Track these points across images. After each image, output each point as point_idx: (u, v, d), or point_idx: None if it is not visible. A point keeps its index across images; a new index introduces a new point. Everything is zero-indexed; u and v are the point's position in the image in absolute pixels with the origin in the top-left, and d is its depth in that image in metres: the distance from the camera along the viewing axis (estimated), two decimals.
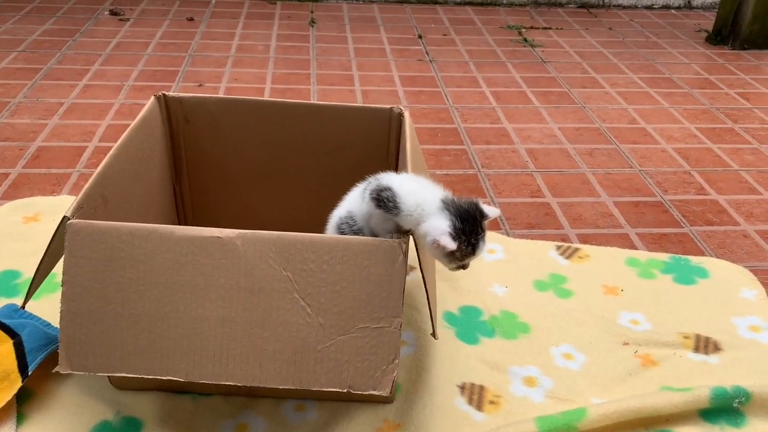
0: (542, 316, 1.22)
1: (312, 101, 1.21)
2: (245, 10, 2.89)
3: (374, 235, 0.91)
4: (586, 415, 0.97)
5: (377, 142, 1.23)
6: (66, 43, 2.41)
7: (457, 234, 0.85)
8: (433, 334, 1.00)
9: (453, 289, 1.28)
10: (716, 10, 2.96)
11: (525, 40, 2.69)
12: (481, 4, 3.13)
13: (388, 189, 0.87)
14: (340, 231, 0.95)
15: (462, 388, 1.06)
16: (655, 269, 1.37)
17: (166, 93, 1.19)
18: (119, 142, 1.04)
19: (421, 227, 0.87)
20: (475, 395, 1.05)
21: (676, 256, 1.41)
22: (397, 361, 0.85)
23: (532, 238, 1.45)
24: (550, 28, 2.85)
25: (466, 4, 3.12)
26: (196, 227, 0.87)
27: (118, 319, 0.85)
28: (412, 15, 2.94)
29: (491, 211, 0.89)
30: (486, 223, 0.88)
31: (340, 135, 1.23)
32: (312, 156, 1.25)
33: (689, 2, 3.23)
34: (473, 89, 2.21)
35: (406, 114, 1.19)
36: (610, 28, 2.89)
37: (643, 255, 1.41)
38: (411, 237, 0.93)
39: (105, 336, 0.85)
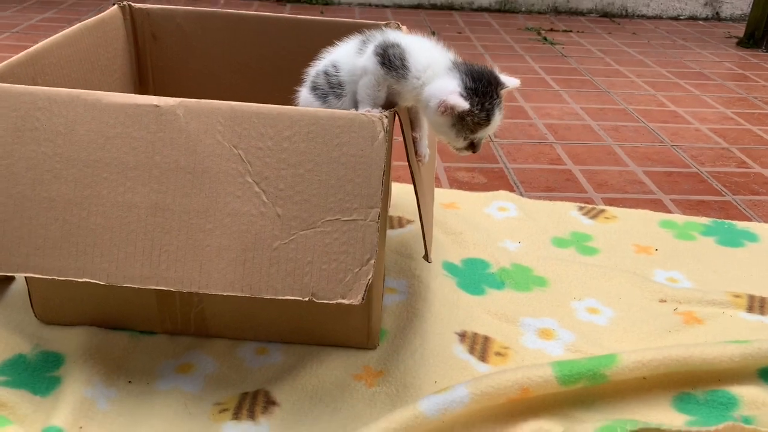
0: (561, 271, 1.03)
1: (295, 15, 1.06)
2: (253, 11, 2.79)
3: (354, 100, 0.74)
4: (616, 361, 0.77)
5: None
6: (62, 27, 2.31)
7: (468, 94, 0.69)
8: (426, 257, 0.81)
9: (456, 243, 1.09)
10: (746, 21, 2.81)
11: (545, 39, 2.55)
12: (499, 11, 3.02)
13: (396, 45, 0.72)
14: (314, 87, 0.78)
15: (462, 336, 0.87)
16: (695, 231, 1.17)
17: (132, 3, 1.05)
18: (65, 32, 0.89)
19: (424, 91, 0.71)
20: (478, 345, 0.86)
21: (718, 220, 1.21)
22: (372, 261, 0.66)
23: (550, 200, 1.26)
24: (570, 31, 2.71)
25: (482, 10, 3.01)
26: (130, 94, 0.71)
27: (27, 205, 0.68)
28: (426, 18, 2.82)
29: (509, 80, 0.73)
30: (503, 92, 0.71)
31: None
32: (295, 77, 1.08)
33: (717, 14, 3.09)
34: None
35: (404, 28, 1.03)
36: (634, 33, 2.74)
37: (679, 218, 1.21)
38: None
39: (9, 225, 0.68)
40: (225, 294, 0.67)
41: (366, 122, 0.68)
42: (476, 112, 0.69)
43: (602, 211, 1.22)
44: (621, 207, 1.24)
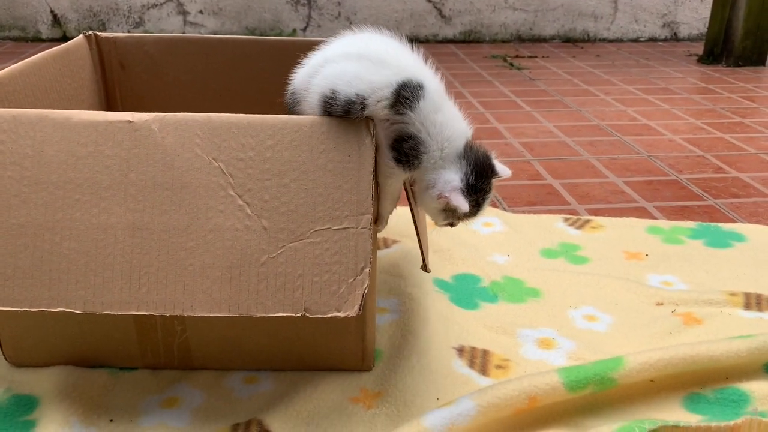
0: (554, 281, 1.00)
1: (270, 37, 1.04)
2: None
3: None
4: (623, 363, 0.74)
5: None
6: None
7: (468, 192, 0.68)
8: (424, 267, 0.79)
9: (444, 260, 1.06)
10: (703, 39, 2.88)
11: (511, 65, 2.58)
12: (464, 41, 3.05)
13: (411, 137, 0.67)
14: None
15: (460, 350, 0.83)
16: (682, 235, 1.16)
17: (98, 33, 1.02)
18: (28, 59, 0.86)
19: (427, 173, 0.69)
20: (478, 359, 0.82)
21: (704, 223, 1.20)
22: (367, 270, 0.63)
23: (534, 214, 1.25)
24: (536, 57, 2.75)
25: (447, 41, 3.04)
26: (101, 112, 0.68)
27: None
28: None
29: (503, 170, 0.72)
30: (494, 181, 0.71)
31: None
32: (273, 105, 1.06)
33: (675, 34, 3.17)
34: (459, 100, 2.02)
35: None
36: (598, 56, 2.79)
37: (665, 223, 1.20)
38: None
39: None
40: (212, 315, 0.63)
41: (351, 127, 0.66)
42: (471, 207, 0.69)
43: (588, 221, 1.21)
44: (606, 216, 1.23)
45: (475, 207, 0.70)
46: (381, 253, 1.07)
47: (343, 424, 0.71)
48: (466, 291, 0.97)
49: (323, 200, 0.64)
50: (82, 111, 0.66)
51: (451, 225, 0.74)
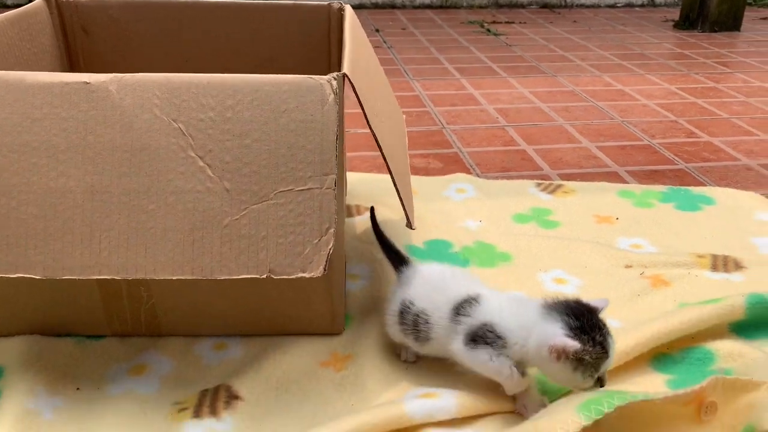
0: (524, 245, 1.00)
1: (245, 0, 1.01)
2: None
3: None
4: None
5: (316, 49, 1.03)
6: None
7: (576, 333, 0.63)
8: (409, 225, 0.78)
9: (417, 226, 1.05)
10: (679, 5, 2.88)
11: (488, 30, 2.56)
12: (441, 7, 3.02)
13: (484, 324, 0.67)
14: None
15: None
16: (653, 199, 1.16)
17: None
18: None
19: (529, 343, 0.65)
20: None
21: (675, 187, 1.21)
22: (332, 230, 0.62)
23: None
24: (513, 22, 2.73)
25: (425, 7, 3.01)
26: (57, 73, 0.66)
27: None
28: (369, 17, 2.80)
29: (599, 302, 0.67)
30: (602, 316, 0.66)
31: (271, 42, 1.03)
32: (248, 66, 1.04)
33: (652, 0, 3.16)
34: (435, 66, 2.04)
35: (348, 8, 1.00)
36: (575, 21, 2.78)
37: (637, 187, 1.21)
38: None
39: None
40: (174, 278, 0.62)
41: (314, 85, 0.64)
42: (590, 348, 0.63)
43: (560, 185, 1.21)
44: (578, 181, 1.23)
45: (596, 345, 0.63)
46: (352, 221, 1.06)
47: (313, 387, 0.71)
48: (438, 256, 0.97)
49: (286, 161, 0.63)
50: (37, 72, 0.64)
51: (601, 382, 0.66)
